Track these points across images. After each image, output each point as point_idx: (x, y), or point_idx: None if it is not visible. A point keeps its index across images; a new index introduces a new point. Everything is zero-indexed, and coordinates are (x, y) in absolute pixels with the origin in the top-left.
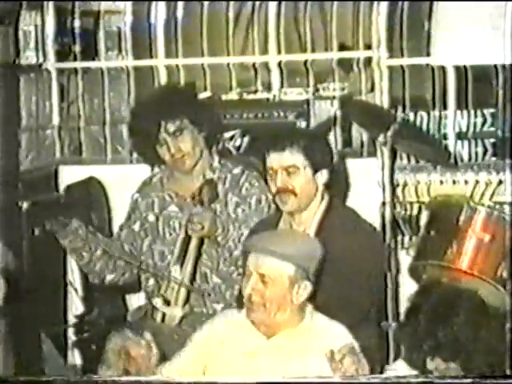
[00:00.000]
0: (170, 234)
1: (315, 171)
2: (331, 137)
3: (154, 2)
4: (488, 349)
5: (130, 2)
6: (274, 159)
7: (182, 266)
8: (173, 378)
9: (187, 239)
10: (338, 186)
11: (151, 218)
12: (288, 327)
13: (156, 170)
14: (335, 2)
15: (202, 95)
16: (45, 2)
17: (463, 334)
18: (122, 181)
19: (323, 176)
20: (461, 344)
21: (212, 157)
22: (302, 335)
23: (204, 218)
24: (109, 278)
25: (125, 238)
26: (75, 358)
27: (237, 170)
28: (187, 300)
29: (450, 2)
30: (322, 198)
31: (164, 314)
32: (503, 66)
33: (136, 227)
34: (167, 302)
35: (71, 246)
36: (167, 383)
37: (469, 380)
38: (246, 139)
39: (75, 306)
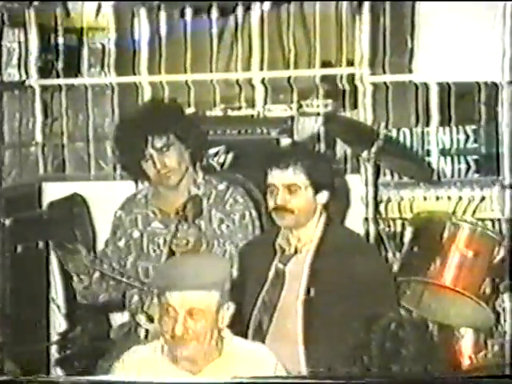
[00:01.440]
0: (154, 251)
1: (316, 191)
2: None
3: (137, 19)
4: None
5: (113, 20)
6: (276, 176)
7: None
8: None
9: (171, 255)
10: (337, 204)
11: (136, 234)
12: (212, 359)
13: (140, 186)
14: (317, 18)
15: (187, 111)
16: (27, 19)
17: (415, 366)
18: (106, 197)
19: (324, 196)
20: (414, 377)
21: (196, 173)
22: (227, 363)
23: (188, 234)
24: (101, 298)
25: (111, 254)
26: (58, 375)
27: (221, 186)
28: None
29: (432, 18)
30: (321, 215)
31: (147, 331)
32: (486, 83)
33: (121, 244)
34: (151, 319)
35: (73, 270)
36: (165, 383)
37: (468, 380)
38: (229, 155)
39: (58, 323)
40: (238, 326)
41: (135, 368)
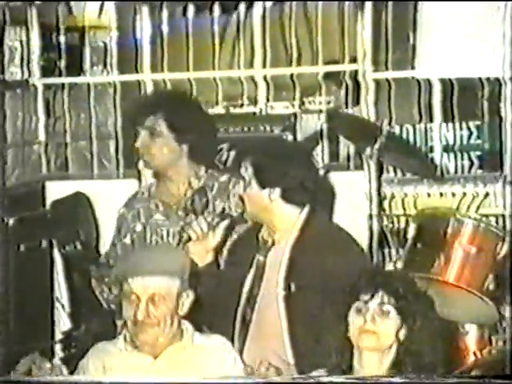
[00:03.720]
0: (157, 242)
1: (263, 187)
2: (318, 150)
3: (139, 17)
4: (415, 352)
5: (115, 18)
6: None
7: None
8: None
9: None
10: (320, 198)
11: (139, 227)
12: (171, 344)
13: (143, 183)
14: (320, 15)
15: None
16: (29, 18)
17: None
18: (109, 196)
19: (275, 192)
20: (414, 380)
21: (198, 166)
22: (187, 352)
23: (200, 223)
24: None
25: (120, 252)
26: (63, 373)
27: (223, 178)
28: None
29: (434, 14)
30: (302, 210)
31: None
32: (488, 79)
33: (127, 240)
34: None
35: (96, 286)
36: (161, 383)
37: (468, 380)
38: (232, 153)
39: (62, 322)
40: (225, 318)
41: (100, 362)
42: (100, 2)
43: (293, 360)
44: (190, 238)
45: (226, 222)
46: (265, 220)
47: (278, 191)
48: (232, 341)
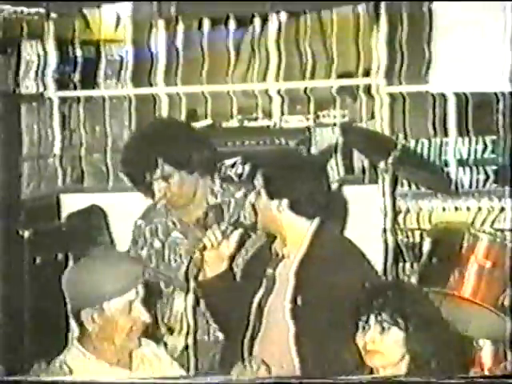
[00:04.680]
0: (176, 261)
1: (272, 198)
2: (333, 164)
3: (155, 31)
4: (432, 351)
5: (131, 31)
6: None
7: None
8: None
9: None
10: (331, 211)
11: (157, 244)
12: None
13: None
14: (335, 29)
15: (203, 123)
16: (46, 31)
17: None
18: (124, 208)
19: (283, 203)
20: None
21: (213, 182)
22: (140, 361)
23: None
24: None
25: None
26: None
27: (239, 194)
28: (189, 328)
29: (449, 28)
30: (312, 222)
31: (166, 343)
32: (503, 93)
33: (144, 253)
34: (171, 331)
35: None
36: None
37: (468, 380)
38: (247, 166)
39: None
40: (235, 327)
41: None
42: (116, 17)
43: (300, 372)
44: (204, 247)
45: (239, 231)
46: (275, 231)
47: (285, 202)
48: (241, 351)
